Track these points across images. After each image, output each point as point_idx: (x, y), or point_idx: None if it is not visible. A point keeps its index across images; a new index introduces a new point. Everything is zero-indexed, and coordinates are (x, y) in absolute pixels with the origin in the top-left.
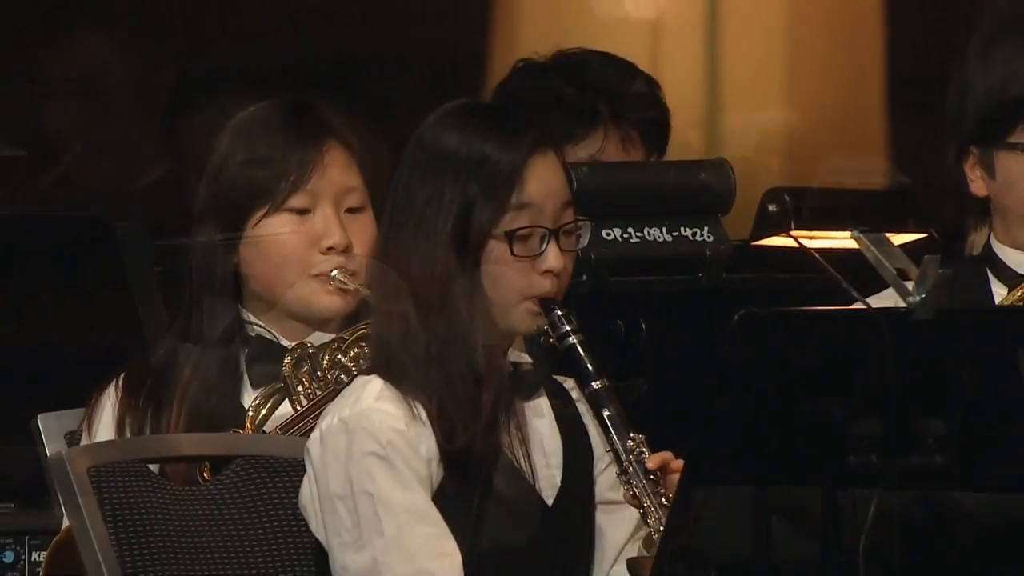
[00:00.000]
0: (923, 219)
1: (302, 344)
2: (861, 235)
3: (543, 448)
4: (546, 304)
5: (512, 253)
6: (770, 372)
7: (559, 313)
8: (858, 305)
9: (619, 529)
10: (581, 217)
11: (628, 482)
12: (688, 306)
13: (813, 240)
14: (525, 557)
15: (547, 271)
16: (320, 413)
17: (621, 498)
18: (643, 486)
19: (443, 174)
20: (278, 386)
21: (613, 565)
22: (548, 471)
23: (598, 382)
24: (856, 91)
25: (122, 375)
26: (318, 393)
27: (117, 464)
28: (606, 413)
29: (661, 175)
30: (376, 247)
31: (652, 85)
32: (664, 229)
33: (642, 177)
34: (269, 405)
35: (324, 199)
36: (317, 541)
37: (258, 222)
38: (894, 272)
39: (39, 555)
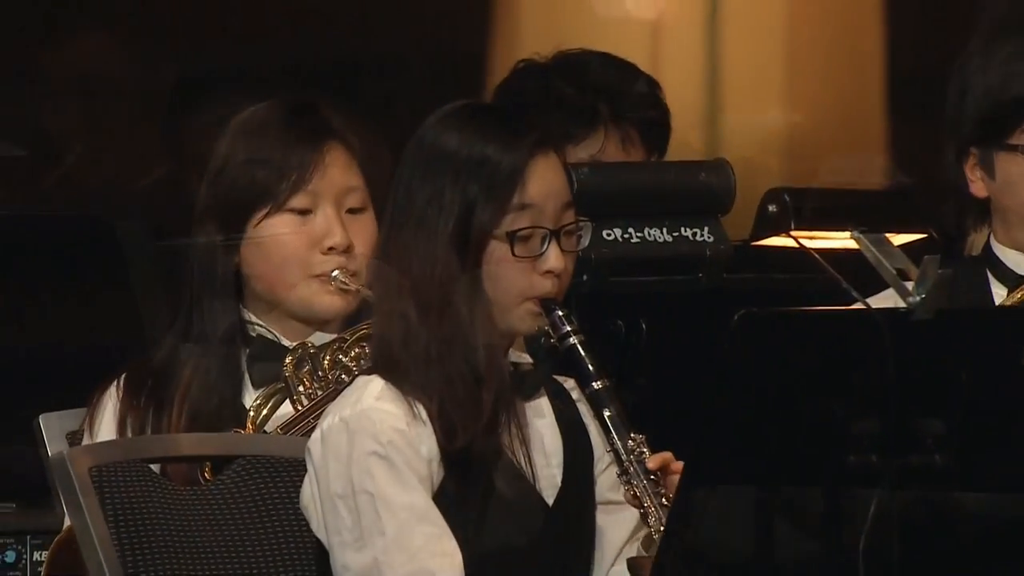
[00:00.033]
0: (923, 219)
1: (303, 344)
2: (861, 235)
3: (544, 448)
4: (547, 304)
5: (513, 254)
6: (770, 372)
7: (560, 313)
8: (858, 305)
9: (619, 529)
10: (582, 218)
11: (629, 482)
12: (688, 306)
13: (813, 240)
14: (526, 557)
15: (548, 272)
16: (321, 413)
17: (621, 498)
18: (643, 486)
19: (444, 174)
20: (279, 386)
21: (613, 565)
22: (549, 471)
23: (599, 382)
24: (856, 91)
25: (123, 375)
26: (319, 393)
27: (118, 464)
28: (606, 413)
29: (661, 175)
30: (377, 247)
31: (652, 85)
32: (664, 229)
33: (642, 177)
34: (270, 405)
35: (325, 199)
36: (318, 541)
37: (259, 222)
38: (894, 272)
39: (41, 555)
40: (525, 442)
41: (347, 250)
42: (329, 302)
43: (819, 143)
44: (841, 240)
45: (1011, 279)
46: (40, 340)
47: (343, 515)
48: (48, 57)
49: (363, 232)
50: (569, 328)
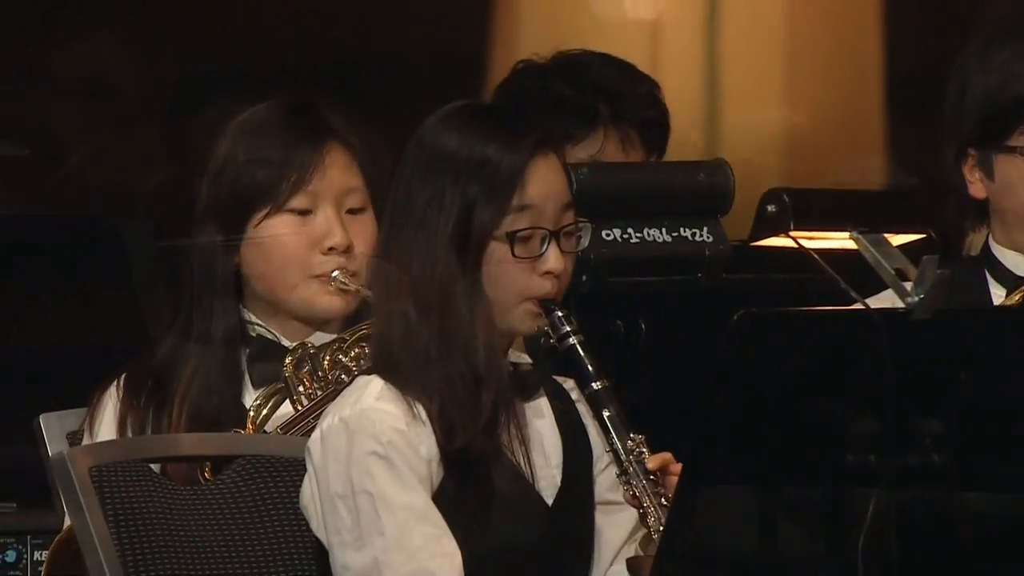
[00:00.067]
0: (922, 220)
1: (303, 344)
2: (860, 236)
3: (543, 448)
4: (546, 305)
5: (513, 254)
6: (769, 372)
7: (559, 314)
8: (857, 306)
9: (617, 529)
10: (581, 219)
11: (628, 482)
12: (687, 306)
13: (812, 240)
14: (525, 557)
15: (547, 272)
16: (321, 413)
17: (620, 498)
18: (643, 486)
19: (444, 175)
20: (279, 386)
21: (611, 565)
22: (548, 471)
23: (598, 383)
24: (855, 92)
25: (124, 375)
26: (319, 393)
27: (119, 464)
28: (606, 414)
29: (661, 176)
30: (377, 247)
31: (651, 86)
32: (663, 229)
33: (642, 178)
34: (270, 405)
35: (325, 200)
36: (318, 540)
37: (259, 223)
38: (893, 273)
39: (41, 554)
40: (524, 442)
41: (347, 250)
42: (329, 302)
43: (818, 143)
44: (840, 240)
45: (1009, 280)
46: (41, 340)
47: (343, 515)
48: (50, 57)
49: (363, 232)
50: (568, 328)
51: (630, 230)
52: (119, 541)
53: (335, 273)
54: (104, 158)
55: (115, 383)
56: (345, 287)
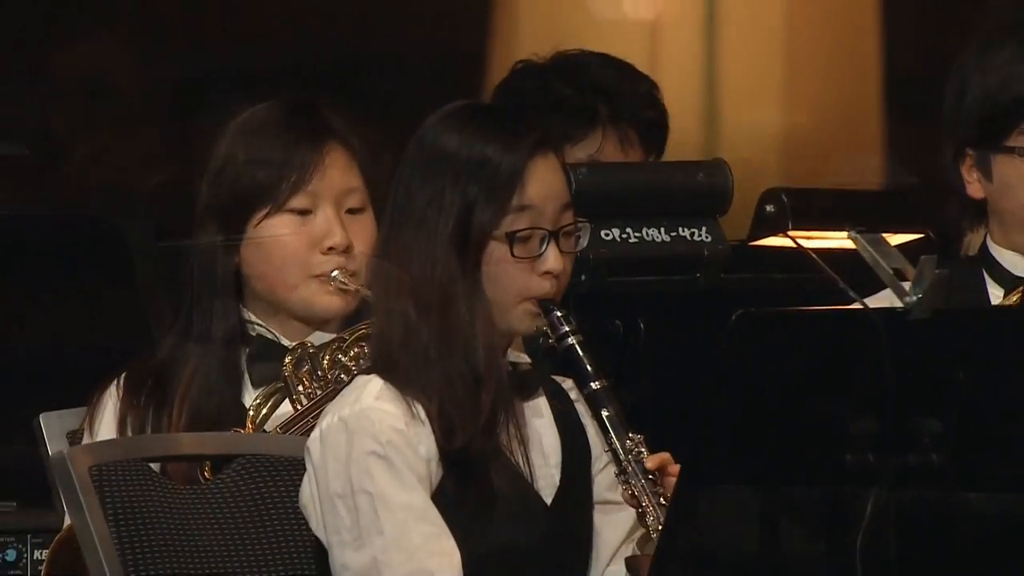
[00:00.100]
0: (920, 220)
1: (303, 344)
2: (858, 235)
3: (542, 448)
4: (545, 305)
5: (512, 254)
6: (768, 372)
7: (558, 314)
8: (855, 305)
9: (615, 529)
10: (581, 219)
11: (627, 482)
12: (686, 306)
13: (810, 240)
14: (524, 556)
15: (547, 272)
16: (320, 412)
17: (618, 498)
18: (642, 486)
19: (444, 175)
20: (279, 385)
21: (608, 565)
22: (547, 470)
23: (597, 382)
24: (854, 92)
25: (124, 374)
26: (318, 393)
27: (119, 463)
28: (605, 413)
29: (659, 176)
30: (376, 247)
31: (650, 86)
32: (662, 229)
33: (640, 178)
34: (270, 404)
35: (325, 200)
36: (317, 540)
37: (259, 222)
38: (891, 272)
39: (41, 553)
40: (523, 442)
41: (347, 250)
42: (329, 302)
43: (817, 143)
44: (838, 240)
45: (1007, 280)
46: (42, 339)
47: (342, 514)
48: (52, 57)
49: (363, 232)
50: (567, 328)
51: (629, 230)
52: (119, 540)
53: (335, 273)
54: (105, 158)
55: (115, 382)
56: (345, 287)
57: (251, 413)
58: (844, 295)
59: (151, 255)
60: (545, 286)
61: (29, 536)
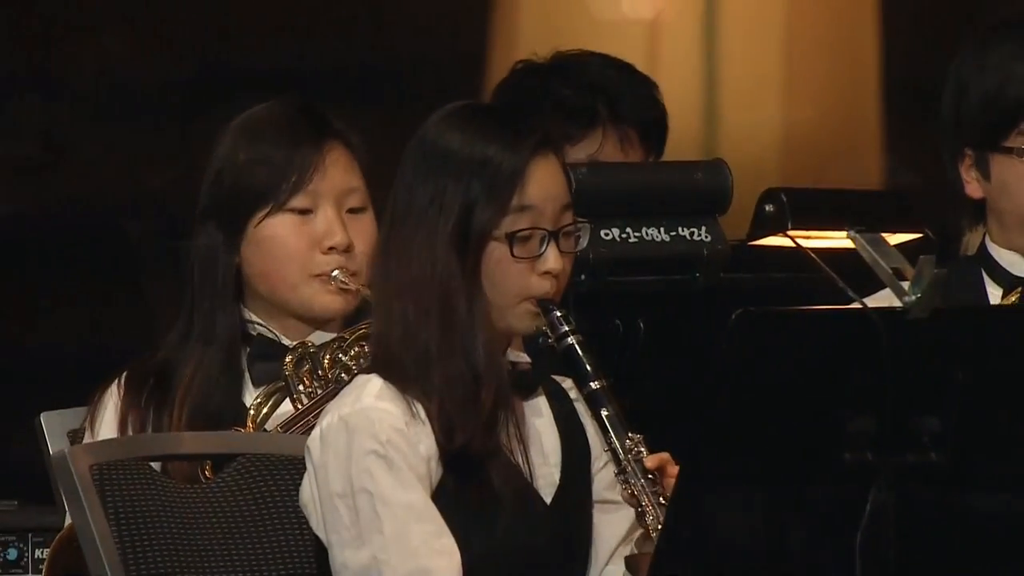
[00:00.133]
0: (919, 220)
1: (303, 343)
2: (857, 235)
3: (542, 447)
4: (545, 305)
5: (512, 254)
6: (767, 371)
7: (558, 314)
8: (854, 305)
9: (614, 529)
10: (580, 219)
11: (626, 481)
12: (686, 306)
13: (810, 240)
14: (524, 555)
15: (546, 272)
16: (321, 412)
17: (617, 497)
18: (641, 485)
19: (445, 175)
20: (279, 385)
21: (606, 565)
22: (547, 470)
23: (596, 382)
24: (854, 92)
25: (125, 374)
26: (319, 392)
27: (119, 462)
28: (604, 413)
29: (659, 175)
30: (377, 247)
31: (650, 86)
32: (662, 229)
33: (640, 177)
34: (270, 404)
35: (326, 199)
36: (317, 539)
37: (260, 222)
38: (890, 272)
39: (42, 552)
40: (523, 441)
41: (347, 250)
42: (329, 301)
43: (817, 143)
44: (838, 240)
45: (1006, 280)
46: (43, 339)
47: (342, 513)
48: (59, 56)
49: (363, 232)
50: (567, 328)
51: (629, 230)
52: (120, 539)
53: (335, 272)
54: (109, 158)
55: (116, 382)
56: (345, 286)
57: (252, 412)
58: (844, 295)
59: (155, 255)
60: (545, 286)
61: (30, 535)
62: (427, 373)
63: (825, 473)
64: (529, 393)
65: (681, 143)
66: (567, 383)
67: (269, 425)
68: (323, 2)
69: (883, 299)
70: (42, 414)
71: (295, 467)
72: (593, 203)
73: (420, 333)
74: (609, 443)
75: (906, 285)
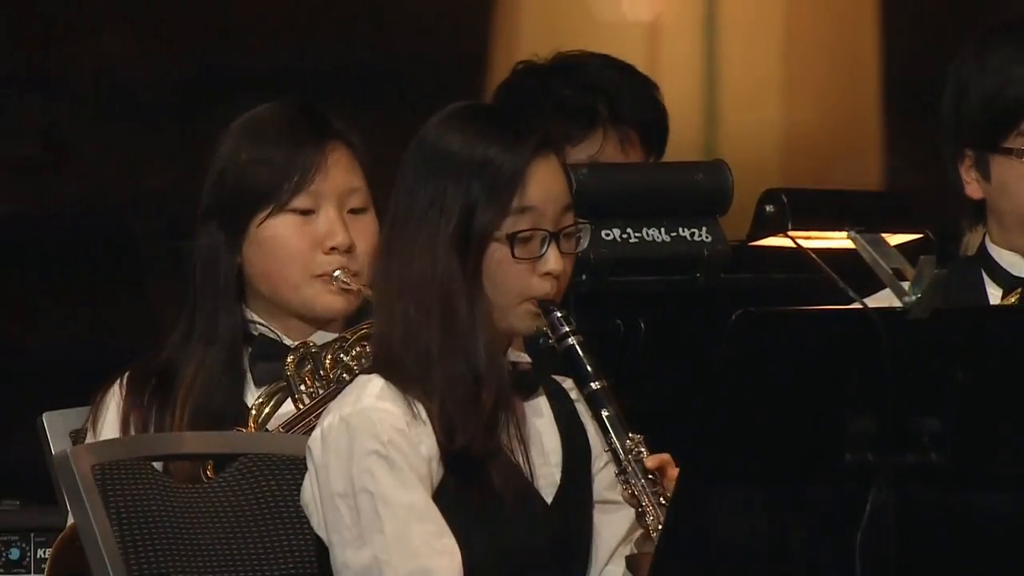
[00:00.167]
0: (919, 220)
1: (305, 343)
2: (858, 235)
3: (542, 447)
4: (545, 305)
5: (513, 255)
6: (767, 371)
7: (558, 314)
8: (855, 305)
9: (613, 529)
10: (581, 220)
11: (626, 481)
12: (686, 306)
13: (810, 240)
14: (525, 555)
15: (547, 273)
16: (323, 412)
17: (618, 497)
18: (641, 485)
19: (445, 176)
20: (281, 385)
21: (606, 565)
22: (547, 469)
23: (597, 383)
24: (854, 92)
25: (127, 374)
26: (320, 392)
27: (121, 462)
28: (605, 413)
29: (659, 176)
30: (378, 247)
31: (651, 87)
32: (662, 230)
33: (641, 178)
34: (272, 404)
35: (327, 200)
36: (319, 538)
37: (262, 222)
38: (890, 272)
39: (44, 552)
40: (524, 441)
41: (349, 250)
42: (331, 302)
43: (817, 144)
44: (838, 240)
45: (1006, 280)
46: (45, 339)
47: (343, 513)
48: (59, 56)
49: (365, 232)
50: (567, 329)
51: (629, 230)
52: (122, 539)
53: (337, 273)
54: (112, 158)
55: (118, 382)
56: (347, 287)
57: (253, 412)
58: (844, 295)
59: (156, 255)
60: (545, 287)
61: (32, 535)
62: (428, 373)
63: (825, 473)
64: (530, 393)
65: (681, 144)
66: (568, 383)
67: (271, 425)
68: (323, 2)
69: (883, 299)
70: (44, 414)
71: (297, 467)
72: (594, 204)
73: (421, 333)
74: (609, 443)
75: (906, 285)
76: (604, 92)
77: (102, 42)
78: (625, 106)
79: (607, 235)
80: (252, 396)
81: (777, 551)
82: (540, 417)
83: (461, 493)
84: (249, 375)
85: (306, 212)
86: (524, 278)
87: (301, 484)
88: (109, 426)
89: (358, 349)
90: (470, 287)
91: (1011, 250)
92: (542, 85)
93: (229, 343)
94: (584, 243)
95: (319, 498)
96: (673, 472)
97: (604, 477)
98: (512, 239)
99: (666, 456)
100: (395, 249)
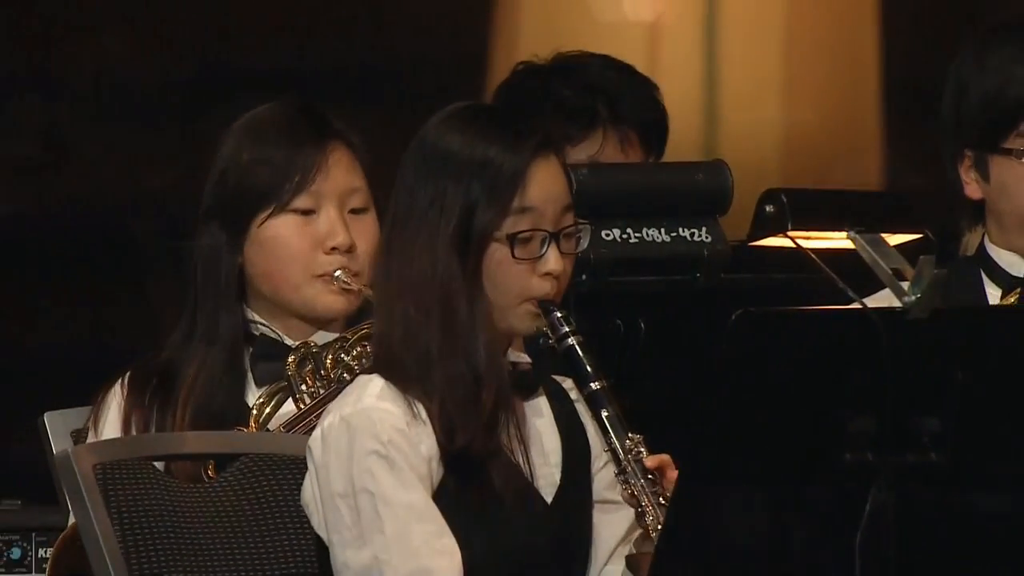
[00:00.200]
0: (919, 220)
1: (306, 343)
2: (857, 236)
3: (542, 447)
4: (545, 306)
5: (513, 256)
6: (767, 371)
7: (558, 315)
8: (854, 305)
9: (613, 529)
10: (581, 220)
11: (626, 481)
12: (686, 306)
13: (810, 241)
14: (525, 554)
15: (547, 273)
16: (323, 411)
17: (617, 497)
18: (641, 485)
19: (446, 176)
20: (282, 384)
21: (605, 564)
22: (547, 469)
23: (596, 383)
24: (854, 92)
25: (128, 373)
26: (321, 392)
27: (123, 462)
28: (604, 414)
29: (659, 176)
30: (379, 247)
31: (650, 87)
32: (662, 230)
33: (641, 178)
34: (273, 403)
35: (328, 200)
36: (319, 538)
37: (263, 222)
38: (890, 272)
39: (46, 552)
40: (524, 441)
41: (350, 250)
42: (332, 302)
43: (817, 144)
44: (838, 240)
45: (1005, 280)
46: (48, 339)
47: (343, 513)
48: (59, 56)
49: (366, 232)
50: (567, 329)
51: (629, 230)
52: (123, 538)
53: (338, 273)
54: (113, 158)
55: (119, 381)
56: (348, 287)
57: (254, 412)
58: (844, 295)
59: (157, 255)
60: (545, 287)
61: (34, 534)
62: (428, 373)
63: (825, 473)
64: (530, 393)
65: (682, 144)
66: (567, 383)
67: (272, 425)
68: (323, 2)
69: (883, 299)
70: (45, 414)
71: (297, 467)
72: (594, 204)
73: (421, 334)
74: (609, 443)
75: (906, 285)
76: (604, 92)
77: (102, 42)
78: (625, 106)
79: (607, 235)
80: (253, 396)
81: (777, 551)
82: (540, 417)
83: (461, 493)
84: (250, 375)
85: (307, 212)
86: (524, 278)
87: (302, 484)
88: (110, 426)
89: (359, 349)
90: (470, 287)
91: (1010, 250)
92: (542, 85)
93: (230, 343)
94: (584, 243)
95: (319, 498)
96: (672, 473)
97: (604, 477)
98: (512, 239)
99: (665, 456)
100: (395, 249)
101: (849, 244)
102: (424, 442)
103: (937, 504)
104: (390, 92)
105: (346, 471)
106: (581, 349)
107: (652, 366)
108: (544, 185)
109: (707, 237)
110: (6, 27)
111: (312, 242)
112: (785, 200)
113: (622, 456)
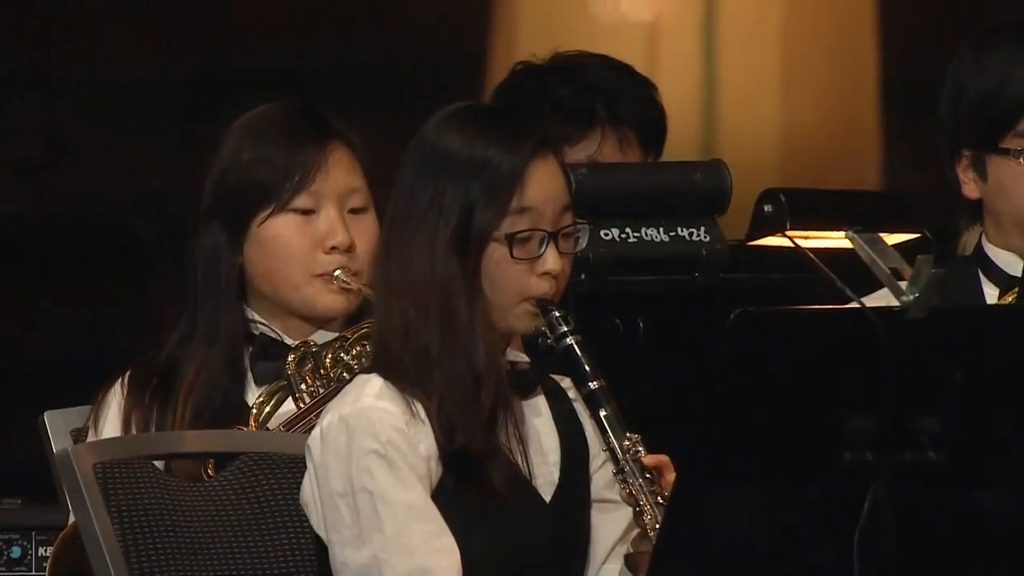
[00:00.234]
0: (917, 220)
1: (305, 342)
2: (856, 235)
3: (541, 446)
4: (544, 305)
5: (512, 255)
6: (766, 371)
7: (557, 314)
8: (853, 305)
9: (611, 528)
10: (580, 220)
11: (624, 481)
12: (685, 306)
13: (808, 240)
14: (524, 554)
15: (546, 273)
16: (323, 411)
17: (616, 496)
18: (639, 485)
19: (445, 176)
20: (282, 384)
21: (604, 564)
22: (546, 468)
23: (595, 382)
24: (852, 93)
25: (128, 373)
26: (321, 391)
27: (123, 461)
28: (602, 413)
29: (658, 176)
30: (378, 247)
31: (649, 87)
32: (661, 229)
33: (639, 178)
34: (273, 402)
35: (328, 200)
36: (318, 537)
37: (263, 222)
38: (888, 272)
39: (46, 551)
40: (522, 440)
41: (349, 250)
42: (331, 301)
43: (816, 144)
44: (836, 240)
45: (1002, 280)
46: (48, 338)
47: (342, 513)
48: (59, 56)
49: (365, 232)
50: (566, 329)
51: (628, 230)
52: (123, 537)
53: (337, 272)
54: (113, 158)
55: (120, 380)
56: (347, 286)
57: (254, 411)
58: (842, 295)
59: (157, 255)
60: (544, 287)
61: (34, 533)
62: (427, 373)
63: (824, 472)
64: (528, 393)
65: (680, 144)
66: (566, 383)
67: (271, 424)
68: (323, 2)
69: (881, 299)
70: (46, 413)
71: (297, 466)
72: (592, 204)
73: (420, 333)
74: (607, 443)
75: (904, 285)
76: (602, 92)
77: (102, 42)
78: (623, 106)
79: (606, 235)
80: (253, 395)
81: (776, 550)
82: (539, 416)
83: (460, 492)
84: (250, 374)
85: (307, 212)
86: (523, 278)
87: (301, 483)
88: (110, 425)
89: (358, 348)
90: (469, 287)
91: (1007, 250)
92: (541, 85)
93: (230, 342)
94: (583, 243)
95: (318, 497)
96: (670, 474)
97: (602, 476)
98: (511, 239)
99: (664, 456)
100: (394, 249)
101: (847, 244)
102: (423, 441)
103: (936, 503)
104: (390, 92)
105: (345, 470)
106: (580, 349)
107: (651, 366)
108: (543, 185)
109: (706, 237)
110: (6, 27)
111: (312, 242)
112: (783, 200)
113: (620, 455)
